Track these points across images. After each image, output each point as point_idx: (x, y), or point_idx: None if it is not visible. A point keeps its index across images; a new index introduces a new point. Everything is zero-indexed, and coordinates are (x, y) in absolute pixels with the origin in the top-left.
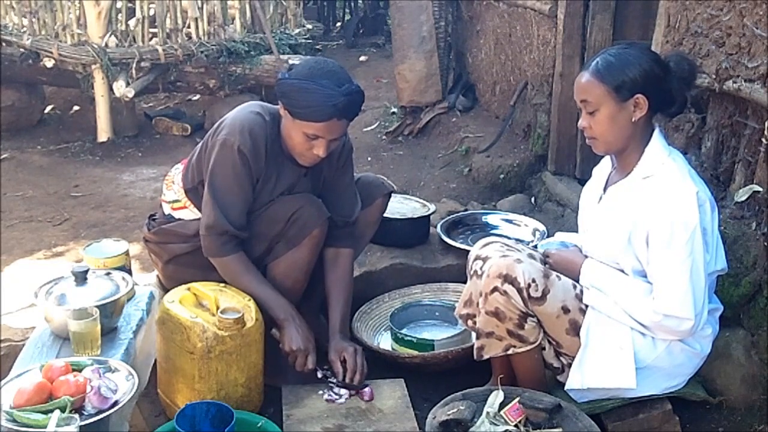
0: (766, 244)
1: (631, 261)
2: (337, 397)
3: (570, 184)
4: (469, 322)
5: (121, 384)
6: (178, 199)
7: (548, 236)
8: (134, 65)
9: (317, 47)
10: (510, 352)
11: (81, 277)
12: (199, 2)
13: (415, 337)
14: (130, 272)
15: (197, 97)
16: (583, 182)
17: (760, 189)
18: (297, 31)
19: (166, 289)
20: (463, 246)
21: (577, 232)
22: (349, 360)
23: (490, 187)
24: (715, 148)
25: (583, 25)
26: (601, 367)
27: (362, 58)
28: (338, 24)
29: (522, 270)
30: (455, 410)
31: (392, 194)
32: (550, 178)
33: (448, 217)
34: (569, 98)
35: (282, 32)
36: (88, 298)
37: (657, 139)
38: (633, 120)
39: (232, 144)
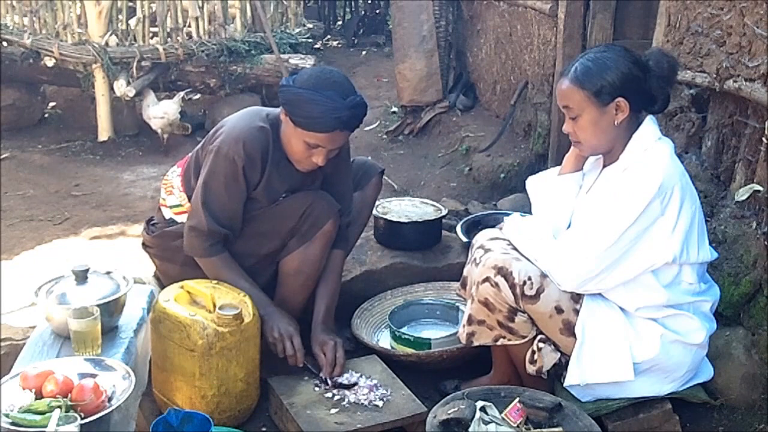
0: (766, 243)
1: None
2: (322, 383)
3: None
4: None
5: (119, 383)
6: (181, 203)
7: None
8: (135, 64)
9: (317, 46)
10: (499, 342)
11: (81, 276)
12: (200, 1)
13: (412, 336)
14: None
15: (198, 96)
16: None
17: (761, 188)
18: (297, 30)
19: None
20: None
21: None
22: (328, 354)
23: (491, 187)
24: (715, 147)
25: (583, 25)
26: (599, 362)
27: (362, 58)
28: (339, 23)
29: (519, 267)
30: (456, 409)
31: (401, 196)
32: None
33: (468, 217)
34: None
35: (282, 31)
36: (88, 297)
37: (645, 127)
38: (615, 123)
39: (226, 153)
